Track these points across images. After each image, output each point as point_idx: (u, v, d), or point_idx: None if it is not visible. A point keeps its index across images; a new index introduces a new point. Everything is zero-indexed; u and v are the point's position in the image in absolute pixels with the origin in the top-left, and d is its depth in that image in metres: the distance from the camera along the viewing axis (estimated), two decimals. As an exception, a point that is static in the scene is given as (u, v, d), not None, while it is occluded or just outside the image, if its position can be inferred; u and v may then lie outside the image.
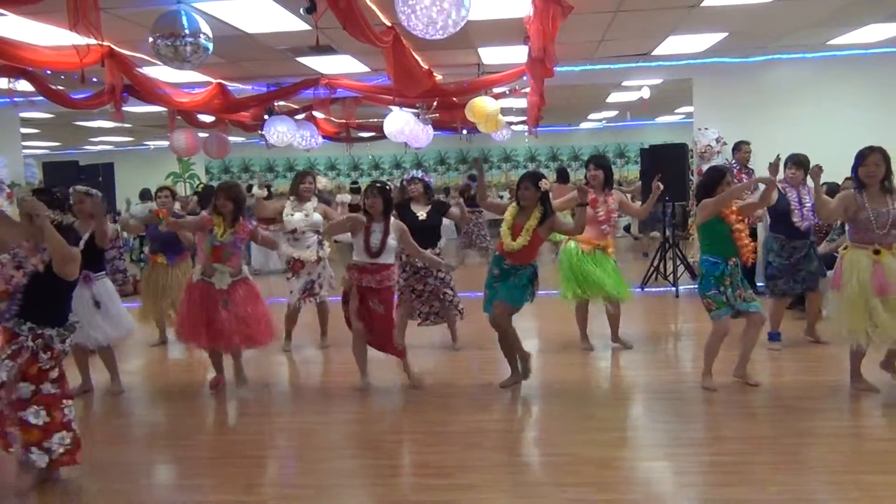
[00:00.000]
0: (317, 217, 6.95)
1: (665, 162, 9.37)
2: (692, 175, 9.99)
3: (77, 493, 4.12)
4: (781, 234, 6.40)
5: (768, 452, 4.28)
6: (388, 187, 5.74)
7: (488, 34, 7.70)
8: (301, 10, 4.96)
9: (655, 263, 10.20)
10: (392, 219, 5.66)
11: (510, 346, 5.60)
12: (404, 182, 7.01)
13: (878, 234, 4.96)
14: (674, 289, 9.36)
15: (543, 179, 5.43)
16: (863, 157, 5.03)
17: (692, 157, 10.24)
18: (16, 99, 7.24)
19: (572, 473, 4.06)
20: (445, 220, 7.23)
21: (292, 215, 6.92)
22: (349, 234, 5.65)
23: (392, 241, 5.56)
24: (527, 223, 5.38)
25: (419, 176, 6.80)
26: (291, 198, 7.07)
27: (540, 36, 5.50)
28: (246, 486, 4.10)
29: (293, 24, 6.87)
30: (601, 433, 4.71)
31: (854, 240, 5.10)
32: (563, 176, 13.50)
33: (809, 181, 6.33)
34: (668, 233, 10.11)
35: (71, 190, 5.81)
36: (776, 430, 4.66)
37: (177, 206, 8.07)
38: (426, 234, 6.42)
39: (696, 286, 9.20)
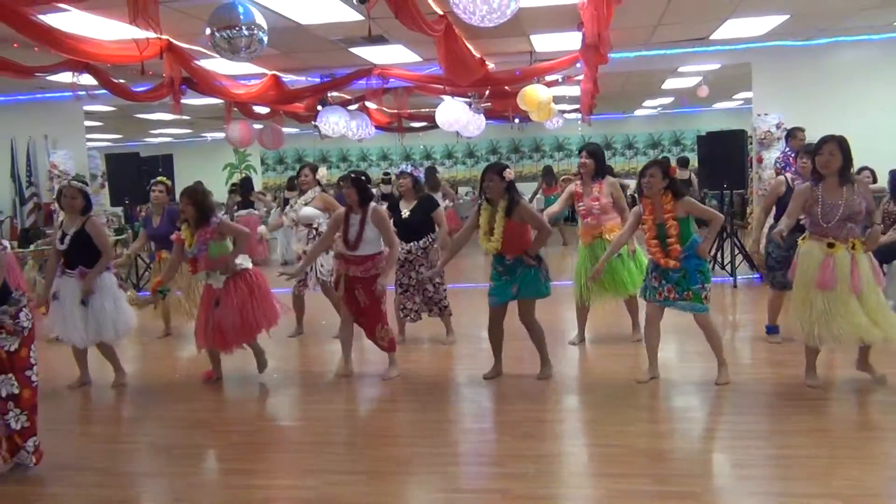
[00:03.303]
0: (306, 211, 6.95)
1: (722, 149, 9.18)
2: (750, 163, 9.75)
3: (129, 475, 4.25)
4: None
5: (830, 446, 4.17)
6: (363, 177, 5.64)
7: (541, 21, 7.63)
8: (354, 1, 4.99)
9: (713, 253, 10.00)
10: (372, 207, 5.56)
11: (539, 340, 5.56)
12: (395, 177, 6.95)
13: (826, 227, 4.82)
14: (731, 279, 9.17)
15: (507, 169, 5.32)
16: (817, 146, 4.86)
17: (751, 143, 10.00)
18: (79, 93, 7.45)
19: (626, 465, 4.02)
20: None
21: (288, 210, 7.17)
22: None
23: (370, 231, 5.49)
24: (496, 218, 5.28)
25: (408, 170, 6.62)
26: (295, 193, 7.30)
27: (594, 22, 5.44)
28: (300, 473, 4.16)
29: (346, 14, 6.92)
30: (655, 425, 4.66)
31: (810, 231, 4.97)
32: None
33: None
34: (725, 221, 9.90)
35: (66, 184, 5.70)
36: (836, 424, 4.54)
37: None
38: (409, 230, 6.43)
39: (754, 276, 9.02)
